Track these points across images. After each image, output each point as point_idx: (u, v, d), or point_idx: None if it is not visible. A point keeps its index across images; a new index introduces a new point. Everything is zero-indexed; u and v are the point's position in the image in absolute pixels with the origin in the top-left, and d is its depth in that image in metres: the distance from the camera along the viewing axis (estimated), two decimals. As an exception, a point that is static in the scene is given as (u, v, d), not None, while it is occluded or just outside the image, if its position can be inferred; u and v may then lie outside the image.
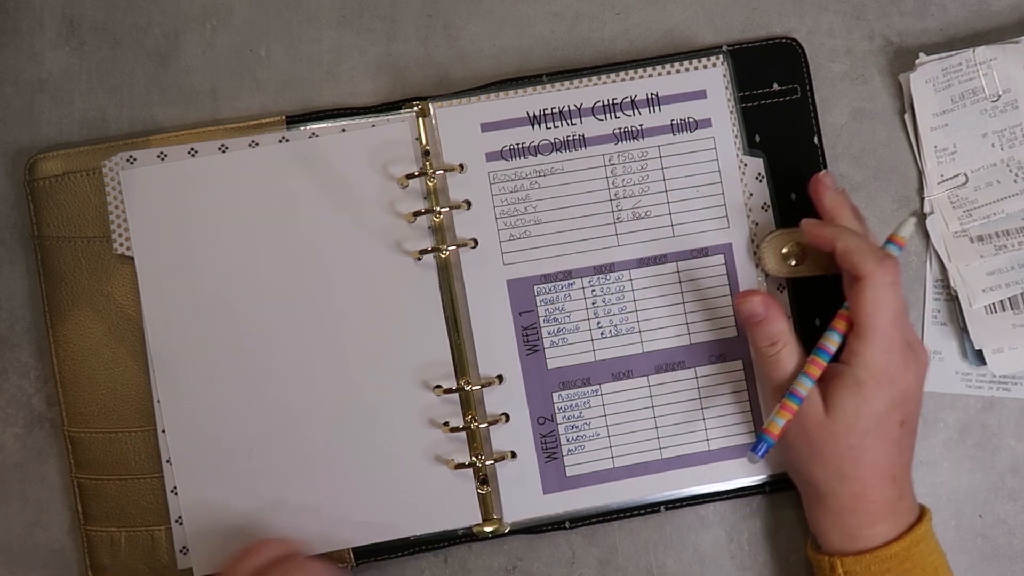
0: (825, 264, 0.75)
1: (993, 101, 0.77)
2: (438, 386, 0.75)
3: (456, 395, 0.75)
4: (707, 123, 0.77)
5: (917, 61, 0.77)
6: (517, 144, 0.76)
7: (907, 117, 0.79)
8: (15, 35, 0.79)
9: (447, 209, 0.75)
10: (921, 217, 0.78)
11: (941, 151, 0.78)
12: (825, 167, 0.78)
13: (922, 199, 0.79)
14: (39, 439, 0.77)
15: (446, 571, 0.77)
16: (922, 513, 0.71)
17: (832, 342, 0.70)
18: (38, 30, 0.79)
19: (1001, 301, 0.77)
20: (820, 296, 0.77)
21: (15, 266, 0.78)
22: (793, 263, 0.75)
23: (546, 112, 0.76)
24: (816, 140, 0.78)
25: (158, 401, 0.75)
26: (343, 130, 0.76)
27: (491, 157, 0.76)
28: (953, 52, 0.77)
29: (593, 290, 0.76)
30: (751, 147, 0.77)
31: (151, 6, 0.79)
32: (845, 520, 0.70)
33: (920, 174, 0.79)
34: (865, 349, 0.69)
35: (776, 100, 0.78)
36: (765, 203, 0.77)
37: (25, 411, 0.77)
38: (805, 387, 0.69)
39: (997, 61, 0.77)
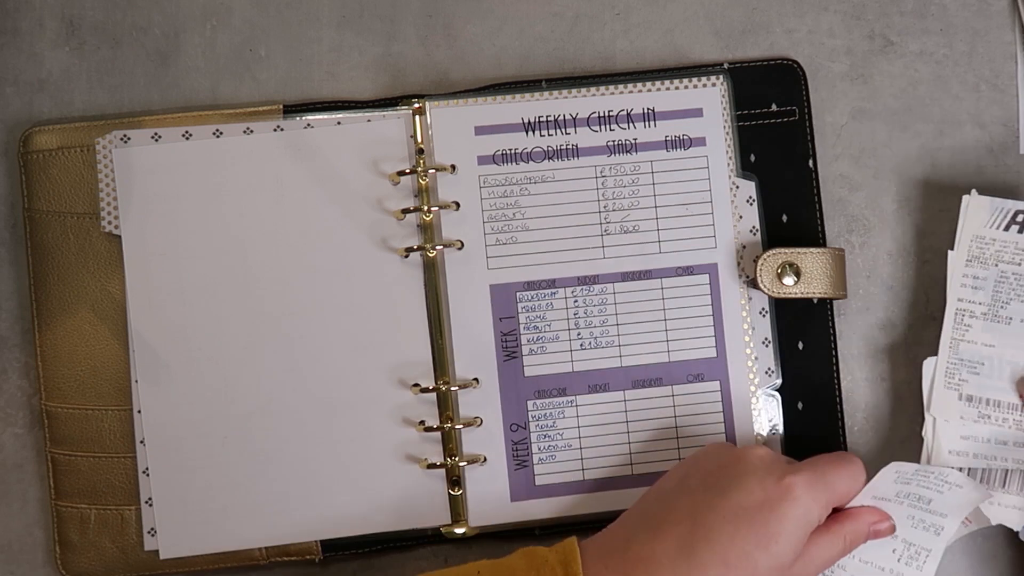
0: (819, 288, 0.75)
1: None
2: (416, 384, 0.75)
3: (433, 395, 0.75)
4: (701, 142, 0.76)
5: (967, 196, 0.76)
6: (510, 149, 0.76)
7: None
8: (15, 35, 0.79)
9: (436, 208, 0.75)
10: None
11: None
12: (818, 191, 0.78)
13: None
14: (39, 439, 0.77)
15: (446, 570, 0.78)
16: None
17: None
18: (38, 30, 0.79)
19: (959, 468, 0.74)
20: (804, 319, 0.77)
21: (17, 267, 0.78)
22: (787, 283, 0.75)
23: (541, 119, 0.76)
24: (811, 163, 0.78)
25: (136, 381, 0.75)
26: (339, 123, 0.76)
27: (483, 160, 0.76)
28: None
29: (576, 301, 0.76)
30: (745, 166, 0.77)
31: (151, 6, 0.79)
32: None
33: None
34: None
35: (773, 121, 0.78)
36: (754, 227, 0.77)
37: (25, 411, 0.77)
38: None
39: None
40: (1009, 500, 0.74)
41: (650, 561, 0.65)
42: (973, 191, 0.76)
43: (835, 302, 0.78)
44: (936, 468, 0.71)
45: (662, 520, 0.67)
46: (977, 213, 0.75)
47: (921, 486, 0.69)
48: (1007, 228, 0.75)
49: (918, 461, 0.76)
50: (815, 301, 0.77)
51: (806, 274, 0.75)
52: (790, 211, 0.77)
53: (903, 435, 0.79)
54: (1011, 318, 0.74)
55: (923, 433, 0.76)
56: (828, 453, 0.70)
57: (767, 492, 0.65)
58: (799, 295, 0.75)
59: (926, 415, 0.76)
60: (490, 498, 0.76)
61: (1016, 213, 0.75)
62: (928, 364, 0.76)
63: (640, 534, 0.66)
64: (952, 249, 0.76)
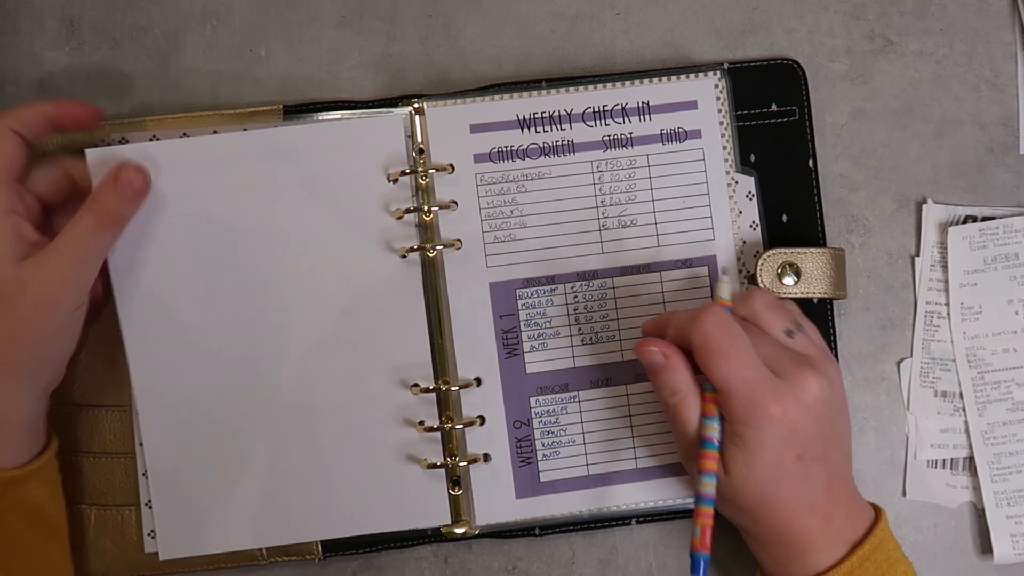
0: (819, 288, 0.75)
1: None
2: (415, 384, 0.75)
3: (433, 395, 0.75)
4: (697, 134, 0.77)
5: (925, 205, 0.79)
6: (505, 147, 0.76)
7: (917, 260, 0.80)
8: (15, 35, 0.79)
9: (436, 208, 0.76)
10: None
11: (967, 309, 0.78)
12: (818, 191, 0.78)
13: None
14: (39, 440, 0.77)
15: (446, 571, 0.77)
16: (869, 530, 0.68)
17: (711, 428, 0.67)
18: (38, 30, 0.79)
19: (943, 460, 0.79)
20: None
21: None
22: (787, 283, 0.75)
23: (536, 116, 0.76)
24: (811, 163, 0.78)
25: (135, 382, 0.75)
26: (338, 123, 0.76)
27: (479, 159, 0.76)
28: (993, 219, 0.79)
29: (575, 296, 0.76)
30: (745, 165, 0.77)
31: (151, 6, 0.80)
32: (771, 550, 0.69)
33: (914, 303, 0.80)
34: (728, 404, 0.65)
35: (773, 121, 0.78)
36: (754, 221, 0.77)
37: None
38: (707, 485, 0.66)
39: None
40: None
41: None
42: (929, 200, 0.79)
43: (835, 302, 0.78)
44: (998, 222, 0.77)
45: None
46: (935, 220, 0.79)
47: (999, 245, 0.75)
48: None
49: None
50: (815, 301, 0.77)
51: (806, 274, 0.75)
52: (790, 211, 0.77)
53: (904, 435, 0.78)
54: None
55: (906, 432, 0.78)
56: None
57: None
58: (799, 295, 0.75)
59: (907, 415, 0.78)
60: (495, 496, 0.75)
61: (966, 218, 0.79)
62: (904, 366, 0.79)
63: None
64: (918, 255, 0.79)
